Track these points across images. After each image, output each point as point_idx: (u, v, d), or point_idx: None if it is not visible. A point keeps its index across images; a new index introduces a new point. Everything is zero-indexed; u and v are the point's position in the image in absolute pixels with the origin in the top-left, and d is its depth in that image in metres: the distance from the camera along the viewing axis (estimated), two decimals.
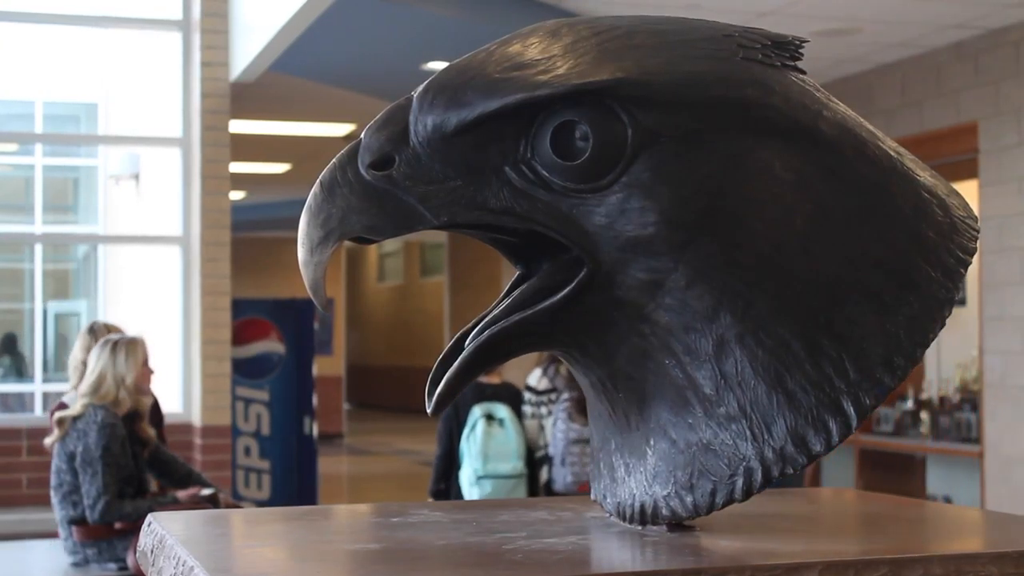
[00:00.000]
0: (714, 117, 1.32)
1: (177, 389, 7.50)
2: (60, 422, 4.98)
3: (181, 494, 5.10)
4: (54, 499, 5.03)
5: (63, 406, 5.25)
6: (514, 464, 6.12)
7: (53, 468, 5.03)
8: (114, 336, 5.18)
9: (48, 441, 5.07)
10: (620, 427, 1.43)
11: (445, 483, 6.30)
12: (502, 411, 6.13)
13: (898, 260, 1.36)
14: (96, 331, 5.44)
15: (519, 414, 6.27)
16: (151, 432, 5.18)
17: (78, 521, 4.96)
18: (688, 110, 1.32)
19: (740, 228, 1.31)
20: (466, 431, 6.11)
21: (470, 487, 6.10)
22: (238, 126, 9.30)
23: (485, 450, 6.07)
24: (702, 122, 1.32)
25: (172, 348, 7.52)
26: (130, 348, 5.07)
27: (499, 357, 1.38)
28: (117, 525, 4.90)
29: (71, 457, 4.94)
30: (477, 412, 6.08)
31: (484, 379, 6.06)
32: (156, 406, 5.84)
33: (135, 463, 5.04)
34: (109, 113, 10.14)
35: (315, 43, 7.46)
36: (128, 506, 4.87)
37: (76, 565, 5.02)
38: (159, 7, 7.96)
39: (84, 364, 5.19)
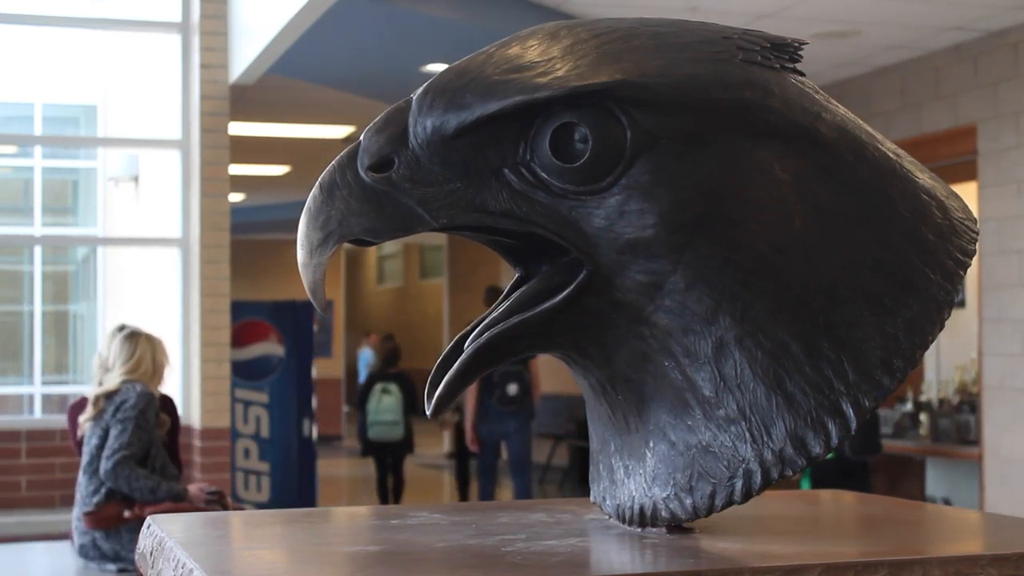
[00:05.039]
0: (713, 119, 1.32)
1: (176, 391, 7.49)
2: (95, 400, 4.97)
3: (192, 487, 5.11)
4: (82, 478, 5.00)
5: (85, 402, 5.23)
6: (391, 417, 10.37)
7: (86, 449, 4.99)
8: (139, 329, 5.22)
9: (83, 418, 5.05)
10: (619, 429, 1.43)
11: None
12: (391, 387, 10.44)
13: (897, 262, 1.36)
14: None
15: (406, 389, 10.41)
16: (165, 418, 5.19)
17: (90, 512, 4.94)
18: (687, 112, 1.31)
19: (739, 230, 1.31)
20: (371, 397, 10.48)
21: (369, 429, 10.47)
22: (237, 128, 9.30)
23: (376, 408, 10.40)
24: (701, 124, 1.32)
25: (171, 350, 7.50)
26: (161, 343, 5.27)
27: (499, 359, 1.38)
28: (126, 514, 4.89)
29: (106, 433, 4.92)
30: (378, 387, 10.48)
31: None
32: (172, 409, 5.85)
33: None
34: (108, 115, 10.13)
35: (314, 45, 7.46)
36: (142, 473, 4.85)
37: (82, 547, 4.99)
38: (158, 9, 7.95)
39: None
